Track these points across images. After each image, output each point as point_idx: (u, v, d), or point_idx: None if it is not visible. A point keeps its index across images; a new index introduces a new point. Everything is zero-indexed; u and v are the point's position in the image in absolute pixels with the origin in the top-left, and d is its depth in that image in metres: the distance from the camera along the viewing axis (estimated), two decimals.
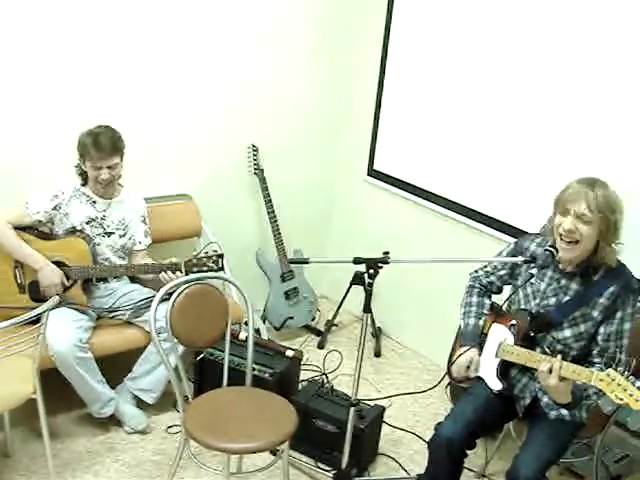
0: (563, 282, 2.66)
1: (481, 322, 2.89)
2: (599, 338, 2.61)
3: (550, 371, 2.46)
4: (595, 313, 2.60)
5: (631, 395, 2.31)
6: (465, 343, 2.85)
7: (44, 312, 2.76)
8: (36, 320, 2.75)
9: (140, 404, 3.53)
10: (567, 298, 2.65)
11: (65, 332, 3.18)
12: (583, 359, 2.65)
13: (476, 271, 3.01)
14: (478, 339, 2.85)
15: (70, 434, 3.44)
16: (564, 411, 2.67)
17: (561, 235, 2.52)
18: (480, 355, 2.82)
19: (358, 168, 4.67)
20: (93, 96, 3.69)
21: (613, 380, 2.34)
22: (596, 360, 2.61)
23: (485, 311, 2.92)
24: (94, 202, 3.42)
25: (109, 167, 3.30)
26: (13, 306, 3.26)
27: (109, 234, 3.46)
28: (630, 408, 2.34)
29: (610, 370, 2.36)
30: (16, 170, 3.55)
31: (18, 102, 3.50)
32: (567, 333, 2.65)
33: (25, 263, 3.30)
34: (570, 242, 2.51)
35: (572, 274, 2.64)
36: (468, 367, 2.79)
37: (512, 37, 3.59)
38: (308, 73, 4.46)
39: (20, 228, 3.32)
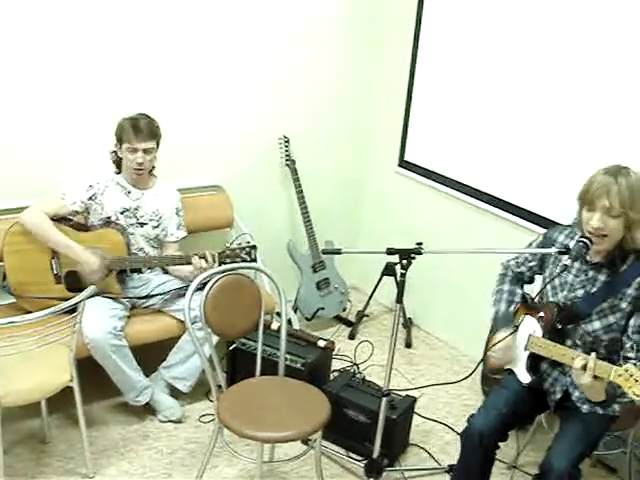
0: (591, 274, 2.64)
1: (512, 309, 2.87)
2: (630, 331, 2.58)
3: (584, 368, 2.43)
4: (624, 304, 2.57)
5: None
6: (498, 328, 2.84)
7: (80, 302, 2.81)
8: (72, 310, 2.80)
9: (174, 393, 3.58)
10: (594, 290, 2.63)
11: (100, 320, 3.22)
12: (615, 352, 2.63)
13: (507, 261, 3.01)
14: (511, 324, 2.82)
15: (105, 422, 3.50)
16: None
17: (590, 232, 2.51)
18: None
19: (389, 159, 4.66)
20: (126, 88, 3.73)
21: (631, 376, 2.30)
22: (630, 355, 2.56)
23: (516, 299, 2.90)
24: (129, 192, 3.46)
25: (144, 151, 3.35)
26: (49, 296, 3.32)
27: (142, 224, 3.50)
28: None
29: (629, 365, 2.33)
30: (50, 164, 3.61)
31: (53, 95, 3.55)
32: (596, 325, 2.63)
33: (64, 254, 3.35)
34: (599, 237, 2.50)
35: (599, 265, 2.62)
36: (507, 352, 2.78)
37: (548, 26, 3.56)
38: (338, 65, 4.46)
39: (56, 219, 3.36)
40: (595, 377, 2.41)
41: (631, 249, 2.55)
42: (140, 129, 3.31)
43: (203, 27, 3.88)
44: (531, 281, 2.99)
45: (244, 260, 3.36)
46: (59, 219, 3.37)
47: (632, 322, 2.58)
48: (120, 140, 3.36)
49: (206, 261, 3.33)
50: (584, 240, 2.55)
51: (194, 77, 3.94)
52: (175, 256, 3.48)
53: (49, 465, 3.20)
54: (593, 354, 2.44)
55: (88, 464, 3.14)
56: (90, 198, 3.40)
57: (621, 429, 3.00)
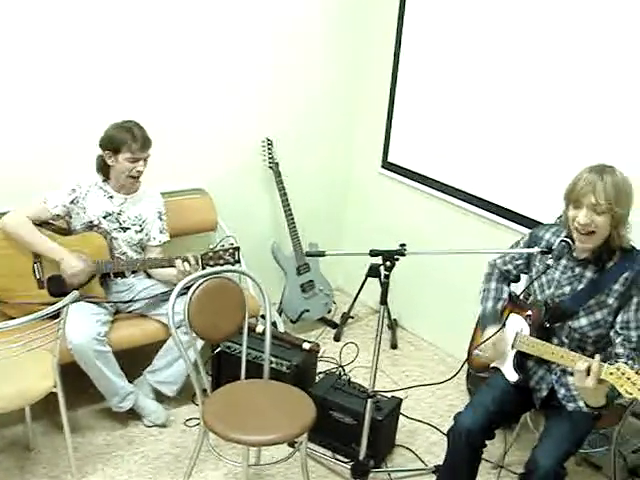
0: (577, 270, 2.65)
1: (499, 306, 2.88)
2: (617, 327, 2.58)
3: (588, 372, 2.39)
4: (610, 300, 2.58)
5: None
6: (486, 325, 2.84)
7: (64, 307, 2.79)
8: (55, 315, 2.78)
9: (159, 397, 3.56)
10: (581, 286, 2.64)
11: (84, 325, 3.20)
12: (602, 349, 2.65)
13: (494, 259, 3.02)
14: (498, 321, 2.82)
15: (90, 427, 3.48)
16: (581, 402, 2.65)
17: (577, 228, 2.52)
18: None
19: (372, 161, 4.66)
20: (109, 93, 3.71)
21: (623, 374, 2.31)
22: (619, 350, 2.55)
23: (504, 296, 2.91)
24: (111, 197, 3.44)
25: (144, 159, 3.36)
26: (33, 302, 3.30)
27: (125, 229, 3.48)
28: None
29: (620, 364, 2.34)
30: (35, 170, 3.59)
31: (34, 102, 3.53)
32: (583, 322, 2.64)
33: (46, 256, 3.32)
34: (586, 234, 2.51)
35: (586, 261, 2.63)
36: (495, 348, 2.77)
37: (530, 27, 3.58)
38: (322, 67, 4.46)
39: (38, 224, 3.34)
40: (600, 380, 2.39)
41: (617, 246, 2.56)
42: (140, 139, 3.30)
43: (186, 32, 3.86)
44: (517, 279, 2.99)
45: (227, 262, 3.35)
46: (41, 223, 3.35)
47: (619, 318, 2.58)
48: (117, 150, 3.31)
49: (189, 264, 3.32)
50: (566, 240, 2.58)
51: (176, 81, 3.92)
52: (158, 259, 3.47)
53: (34, 472, 3.17)
54: (597, 356, 2.42)
55: (73, 470, 3.12)
56: (72, 202, 3.38)
57: (606, 427, 3.01)
